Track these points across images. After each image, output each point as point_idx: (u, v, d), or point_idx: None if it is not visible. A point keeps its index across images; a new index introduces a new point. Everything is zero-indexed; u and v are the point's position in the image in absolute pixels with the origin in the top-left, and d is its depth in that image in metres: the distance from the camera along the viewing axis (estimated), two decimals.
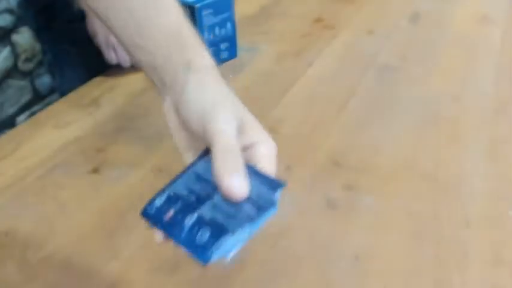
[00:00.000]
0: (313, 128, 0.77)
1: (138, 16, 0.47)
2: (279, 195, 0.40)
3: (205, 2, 0.87)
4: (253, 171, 0.42)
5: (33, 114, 1.62)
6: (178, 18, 0.48)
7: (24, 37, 1.68)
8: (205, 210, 0.40)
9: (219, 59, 0.93)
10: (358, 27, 1.07)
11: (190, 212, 0.40)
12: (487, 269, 0.54)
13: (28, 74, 1.75)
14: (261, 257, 0.56)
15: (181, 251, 0.39)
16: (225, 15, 0.91)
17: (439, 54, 0.96)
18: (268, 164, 0.43)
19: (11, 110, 1.71)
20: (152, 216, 0.42)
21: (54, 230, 0.60)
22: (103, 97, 0.85)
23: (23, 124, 0.83)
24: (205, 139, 0.42)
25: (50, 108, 0.85)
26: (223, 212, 0.40)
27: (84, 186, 0.67)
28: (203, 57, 0.47)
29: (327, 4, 1.18)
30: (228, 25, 0.92)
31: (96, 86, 0.89)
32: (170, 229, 0.40)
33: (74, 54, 1.01)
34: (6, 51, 1.65)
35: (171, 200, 0.42)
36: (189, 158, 0.46)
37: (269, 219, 0.40)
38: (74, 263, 0.56)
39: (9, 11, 1.63)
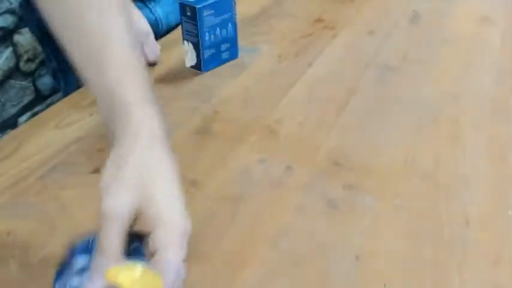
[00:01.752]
0: (313, 128, 0.77)
1: (83, 71, 0.49)
2: None
3: (206, 3, 0.87)
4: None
5: (34, 114, 1.62)
6: (116, 73, 0.47)
7: (26, 38, 1.68)
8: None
9: (220, 60, 0.93)
10: (358, 27, 1.07)
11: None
12: (486, 268, 0.55)
13: (30, 75, 1.76)
14: (261, 257, 0.56)
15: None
16: (226, 16, 0.91)
17: (439, 54, 0.96)
18: (164, 251, 0.40)
19: (12, 110, 1.71)
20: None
21: (55, 229, 0.61)
22: None
23: (25, 124, 0.83)
24: None
25: (52, 108, 0.86)
26: None
27: (85, 186, 0.67)
28: (129, 122, 0.45)
29: (327, 4, 1.18)
30: (229, 26, 0.92)
31: None
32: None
33: None
34: (8, 51, 1.66)
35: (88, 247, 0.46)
36: None
37: None
38: None
39: (10, 11, 1.63)
